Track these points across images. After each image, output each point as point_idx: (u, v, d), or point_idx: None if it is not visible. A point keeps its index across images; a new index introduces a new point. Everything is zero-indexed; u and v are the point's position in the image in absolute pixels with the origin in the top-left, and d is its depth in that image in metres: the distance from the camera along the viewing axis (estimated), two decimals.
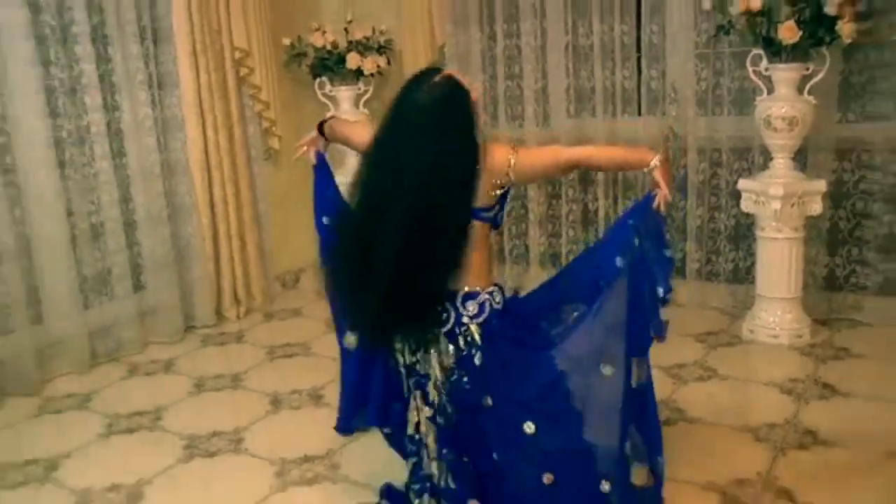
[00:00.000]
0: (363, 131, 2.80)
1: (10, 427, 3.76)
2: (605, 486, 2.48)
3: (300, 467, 3.21)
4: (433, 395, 2.56)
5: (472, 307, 2.52)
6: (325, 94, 5.31)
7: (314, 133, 3.03)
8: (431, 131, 2.40)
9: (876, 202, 4.41)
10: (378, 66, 5.17)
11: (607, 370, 2.46)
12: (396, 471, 2.98)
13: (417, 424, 2.65)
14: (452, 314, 2.52)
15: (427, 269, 2.41)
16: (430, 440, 2.60)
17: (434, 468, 2.60)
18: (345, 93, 5.27)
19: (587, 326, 2.51)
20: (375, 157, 2.48)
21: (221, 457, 3.35)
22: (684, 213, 4.84)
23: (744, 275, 4.72)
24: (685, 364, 4.00)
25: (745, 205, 4.25)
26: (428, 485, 2.63)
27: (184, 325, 4.81)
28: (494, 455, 2.54)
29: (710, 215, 4.78)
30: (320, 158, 3.02)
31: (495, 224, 2.58)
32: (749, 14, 3.95)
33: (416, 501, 2.68)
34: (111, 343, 4.48)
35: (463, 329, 2.51)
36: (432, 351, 2.54)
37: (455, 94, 2.44)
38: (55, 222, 4.14)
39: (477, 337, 2.51)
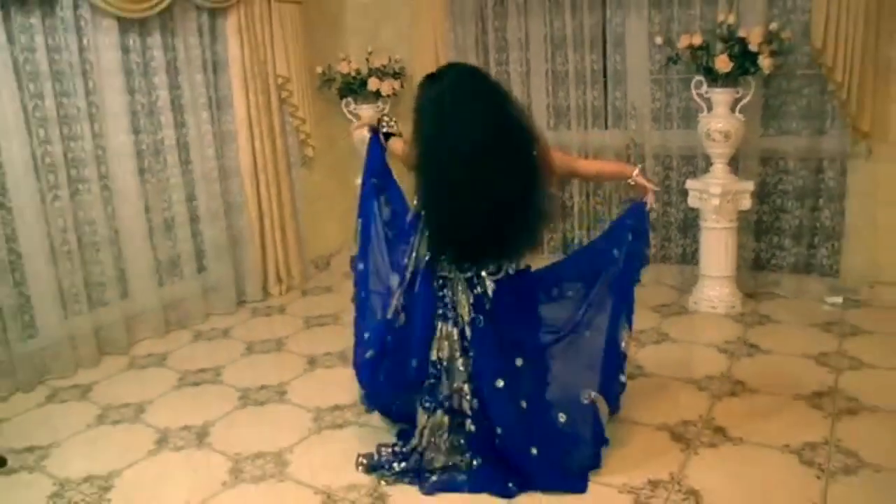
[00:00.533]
0: (401, 145, 2.90)
1: (109, 378, 3.86)
2: (562, 418, 2.66)
3: (332, 414, 3.30)
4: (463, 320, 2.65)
5: (492, 266, 2.63)
6: (350, 112, 5.36)
7: (369, 127, 3.07)
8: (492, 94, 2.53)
9: (790, 199, 4.48)
10: (393, 88, 5.22)
11: (588, 334, 2.69)
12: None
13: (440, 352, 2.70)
14: (473, 267, 2.63)
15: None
16: (460, 364, 2.67)
17: (465, 387, 2.67)
18: (366, 111, 5.29)
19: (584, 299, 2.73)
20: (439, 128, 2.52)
21: (269, 405, 3.44)
22: None
23: (690, 257, 4.78)
24: (644, 330, 4.07)
25: (692, 201, 4.33)
26: (446, 403, 2.70)
27: (237, 299, 4.88)
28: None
29: (664, 210, 4.84)
30: (374, 136, 3.03)
31: None
32: (692, 48, 4.03)
33: (426, 416, 2.72)
34: (181, 314, 4.56)
35: (480, 280, 2.62)
36: (460, 290, 2.64)
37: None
38: (137, 217, 4.23)
39: (489, 290, 2.62)
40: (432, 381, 2.73)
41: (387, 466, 2.77)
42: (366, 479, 2.76)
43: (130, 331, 4.28)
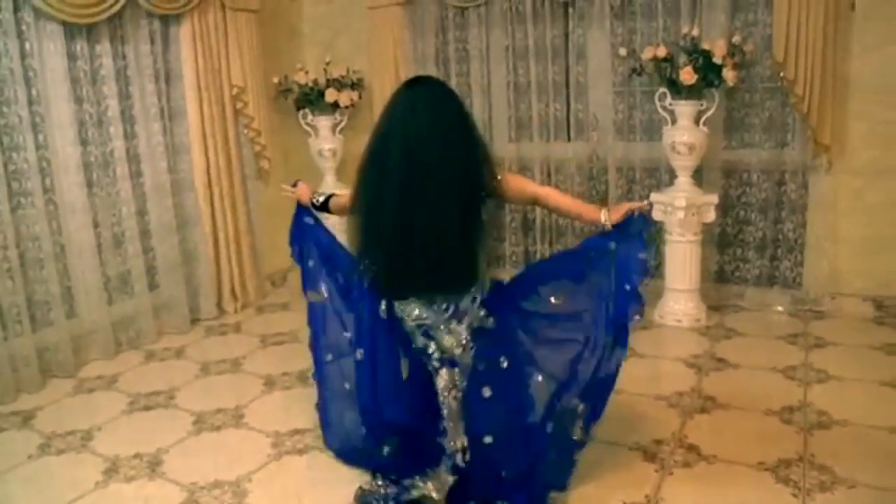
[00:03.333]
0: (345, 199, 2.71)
1: (53, 403, 3.66)
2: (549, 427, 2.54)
3: (292, 438, 3.15)
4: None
5: (465, 301, 2.42)
6: (307, 123, 5.24)
7: (305, 197, 2.96)
8: (446, 113, 2.28)
9: (753, 212, 4.50)
10: (352, 100, 5.12)
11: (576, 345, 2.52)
12: None
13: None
14: (451, 305, 2.41)
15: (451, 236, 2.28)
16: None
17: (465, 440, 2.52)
18: (323, 122, 5.20)
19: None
20: (387, 140, 2.27)
21: (226, 430, 3.28)
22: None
23: (654, 271, 4.71)
24: None
25: (656, 214, 4.27)
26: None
27: (191, 317, 4.69)
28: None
29: None
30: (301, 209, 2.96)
31: None
32: (656, 60, 4.01)
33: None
34: (132, 333, 4.37)
35: (460, 314, 2.43)
36: (446, 334, 2.44)
37: (449, 89, 2.40)
38: (85, 232, 4.03)
39: (482, 314, 2.46)
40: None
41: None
42: None
43: (78, 352, 4.07)
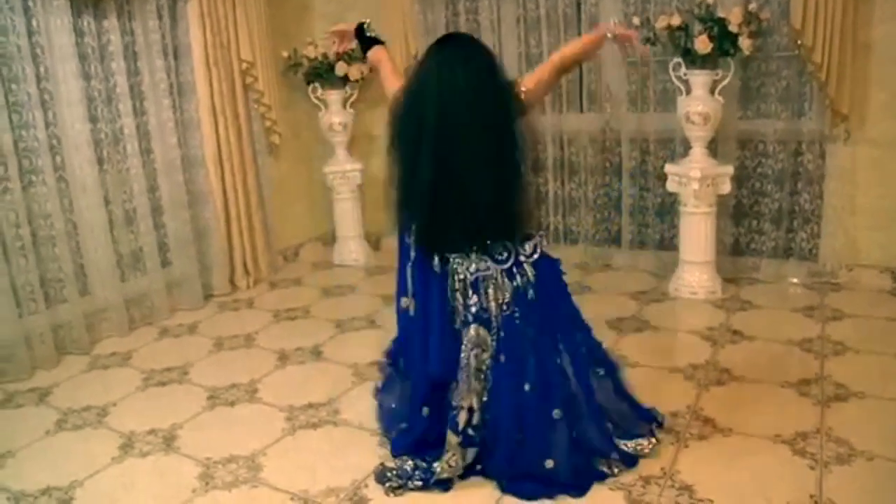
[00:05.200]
0: (395, 80, 2.63)
1: (69, 380, 3.67)
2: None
3: (306, 413, 3.15)
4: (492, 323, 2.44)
5: (528, 247, 2.45)
6: (317, 98, 5.19)
7: (351, 31, 2.83)
8: (477, 65, 2.29)
9: (769, 183, 4.42)
10: (362, 73, 5.06)
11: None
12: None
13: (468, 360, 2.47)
14: (512, 254, 2.43)
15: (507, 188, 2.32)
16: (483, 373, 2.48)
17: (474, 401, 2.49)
18: (334, 96, 5.15)
19: None
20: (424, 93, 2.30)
21: (240, 405, 3.28)
22: (619, 193, 4.80)
23: (669, 243, 4.69)
24: (623, 318, 4.00)
25: (670, 185, 4.24)
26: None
27: (203, 293, 4.68)
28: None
29: (641, 194, 4.74)
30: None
31: None
32: (670, 29, 3.92)
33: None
34: (145, 310, 4.37)
35: (520, 268, 2.43)
36: (490, 288, 2.43)
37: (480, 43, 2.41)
38: (96, 209, 4.01)
39: (531, 276, 2.43)
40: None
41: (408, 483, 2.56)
42: (345, 483, 2.61)
43: (92, 329, 4.07)
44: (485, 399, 2.51)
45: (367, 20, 2.82)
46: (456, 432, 2.49)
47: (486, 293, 2.43)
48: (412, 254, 2.52)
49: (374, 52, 2.77)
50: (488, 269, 2.43)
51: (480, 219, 2.34)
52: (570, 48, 2.58)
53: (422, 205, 2.36)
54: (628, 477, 2.54)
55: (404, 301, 2.60)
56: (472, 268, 2.43)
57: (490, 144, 2.28)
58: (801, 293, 4.24)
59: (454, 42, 2.42)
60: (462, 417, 2.49)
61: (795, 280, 4.38)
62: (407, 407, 2.71)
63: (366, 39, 2.82)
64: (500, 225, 2.39)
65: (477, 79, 2.28)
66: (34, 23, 3.72)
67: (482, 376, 2.49)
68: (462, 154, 2.27)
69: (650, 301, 4.26)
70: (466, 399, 2.48)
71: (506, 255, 2.42)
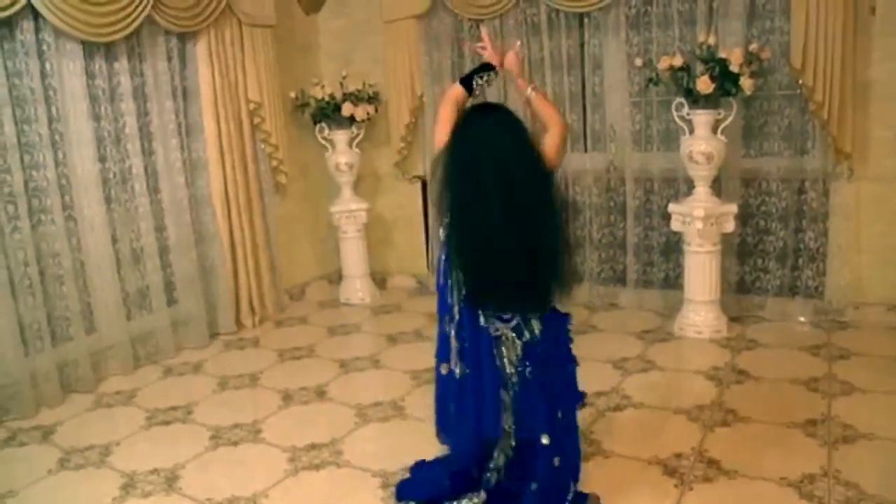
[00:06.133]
0: (446, 126, 2.53)
1: (74, 418, 3.68)
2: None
3: (308, 454, 3.13)
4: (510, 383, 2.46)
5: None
6: (324, 137, 5.25)
7: (489, 61, 2.74)
8: (523, 134, 2.35)
9: (773, 221, 4.43)
10: (368, 113, 5.13)
11: None
12: (394, 457, 2.99)
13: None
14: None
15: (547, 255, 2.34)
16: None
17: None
18: (340, 136, 5.21)
19: None
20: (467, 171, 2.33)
21: (242, 445, 3.27)
22: (624, 232, 4.82)
23: (673, 282, 4.68)
24: (629, 358, 3.98)
25: (675, 225, 4.24)
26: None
27: (209, 332, 4.70)
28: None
29: (645, 233, 4.75)
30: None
31: None
32: (672, 69, 3.97)
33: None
34: (150, 348, 4.38)
35: (528, 325, 2.43)
36: (503, 347, 2.45)
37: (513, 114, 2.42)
38: (104, 248, 4.07)
39: (537, 330, 2.44)
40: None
41: None
42: None
43: (97, 367, 4.09)
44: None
45: (487, 76, 2.74)
46: (488, 489, 2.54)
47: (501, 353, 2.45)
48: (456, 315, 2.49)
49: (455, 89, 2.69)
50: (498, 329, 2.44)
51: (533, 275, 2.34)
52: (546, 115, 2.65)
53: (489, 261, 2.33)
54: None
55: (445, 367, 2.55)
56: (491, 329, 2.45)
57: (550, 204, 2.35)
58: (808, 332, 4.22)
59: (495, 110, 2.47)
60: (494, 477, 2.54)
61: (802, 318, 4.35)
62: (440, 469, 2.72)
63: (471, 77, 2.76)
64: (543, 289, 2.39)
65: (524, 144, 2.34)
66: (47, 66, 3.81)
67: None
68: (531, 214, 2.29)
69: (655, 341, 4.24)
70: (499, 458, 2.55)
71: (510, 314, 2.43)
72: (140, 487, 2.94)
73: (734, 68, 3.83)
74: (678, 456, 2.90)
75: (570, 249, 2.48)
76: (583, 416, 2.96)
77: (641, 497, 2.65)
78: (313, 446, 3.19)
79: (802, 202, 4.33)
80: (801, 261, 4.40)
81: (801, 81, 3.99)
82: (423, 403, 3.49)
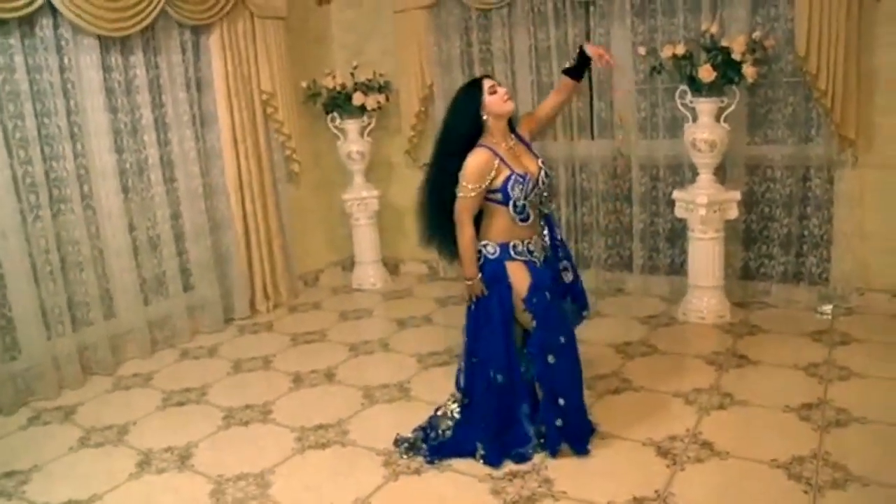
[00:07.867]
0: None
1: (94, 399, 3.84)
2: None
3: (315, 433, 3.26)
4: None
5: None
6: (335, 127, 5.35)
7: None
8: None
9: (777, 208, 4.47)
10: (378, 103, 5.22)
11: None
12: (392, 436, 3.08)
13: None
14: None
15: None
16: None
17: None
18: (351, 125, 5.31)
19: None
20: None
21: (253, 425, 3.40)
22: (630, 218, 4.88)
23: (679, 268, 4.74)
24: (631, 342, 4.06)
25: (678, 211, 4.30)
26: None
27: (224, 317, 4.84)
28: None
29: (651, 220, 4.81)
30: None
31: (504, 202, 2.86)
32: (675, 58, 4.01)
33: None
34: (167, 332, 4.53)
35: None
36: None
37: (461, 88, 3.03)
38: (121, 235, 4.21)
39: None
40: None
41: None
42: (349, 500, 2.71)
43: (116, 350, 4.25)
44: None
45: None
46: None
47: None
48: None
49: (566, 80, 3.11)
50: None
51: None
52: (551, 101, 3.17)
53: None
54: (621, 497, 2.61)
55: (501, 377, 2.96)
56: None
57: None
58: (811, 317, 4.26)
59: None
60: None
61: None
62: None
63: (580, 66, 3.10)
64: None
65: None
66: (66, 60, 3.95)
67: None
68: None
69: (659, 325, 4.31)
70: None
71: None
72: (154, 464, 3.09)
73: (736, 56, 3.86)
74: (672, 437, 2.99)
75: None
76: None
77: (634, 476, 2.73)
78: (320, 426, 3.32)
79: (807, 189, 4.36)
80: (805, 247, 4.43)
81: (805, 69, 4.02)
82: (429, 386, 3.64)
